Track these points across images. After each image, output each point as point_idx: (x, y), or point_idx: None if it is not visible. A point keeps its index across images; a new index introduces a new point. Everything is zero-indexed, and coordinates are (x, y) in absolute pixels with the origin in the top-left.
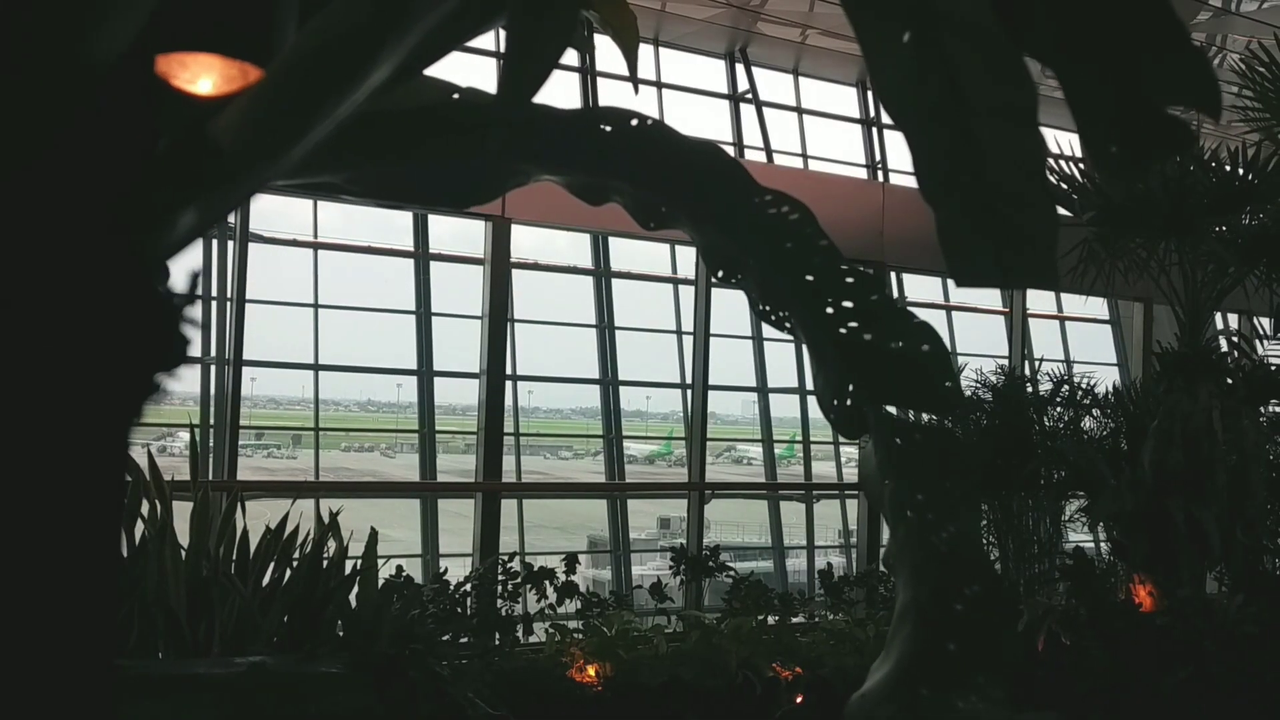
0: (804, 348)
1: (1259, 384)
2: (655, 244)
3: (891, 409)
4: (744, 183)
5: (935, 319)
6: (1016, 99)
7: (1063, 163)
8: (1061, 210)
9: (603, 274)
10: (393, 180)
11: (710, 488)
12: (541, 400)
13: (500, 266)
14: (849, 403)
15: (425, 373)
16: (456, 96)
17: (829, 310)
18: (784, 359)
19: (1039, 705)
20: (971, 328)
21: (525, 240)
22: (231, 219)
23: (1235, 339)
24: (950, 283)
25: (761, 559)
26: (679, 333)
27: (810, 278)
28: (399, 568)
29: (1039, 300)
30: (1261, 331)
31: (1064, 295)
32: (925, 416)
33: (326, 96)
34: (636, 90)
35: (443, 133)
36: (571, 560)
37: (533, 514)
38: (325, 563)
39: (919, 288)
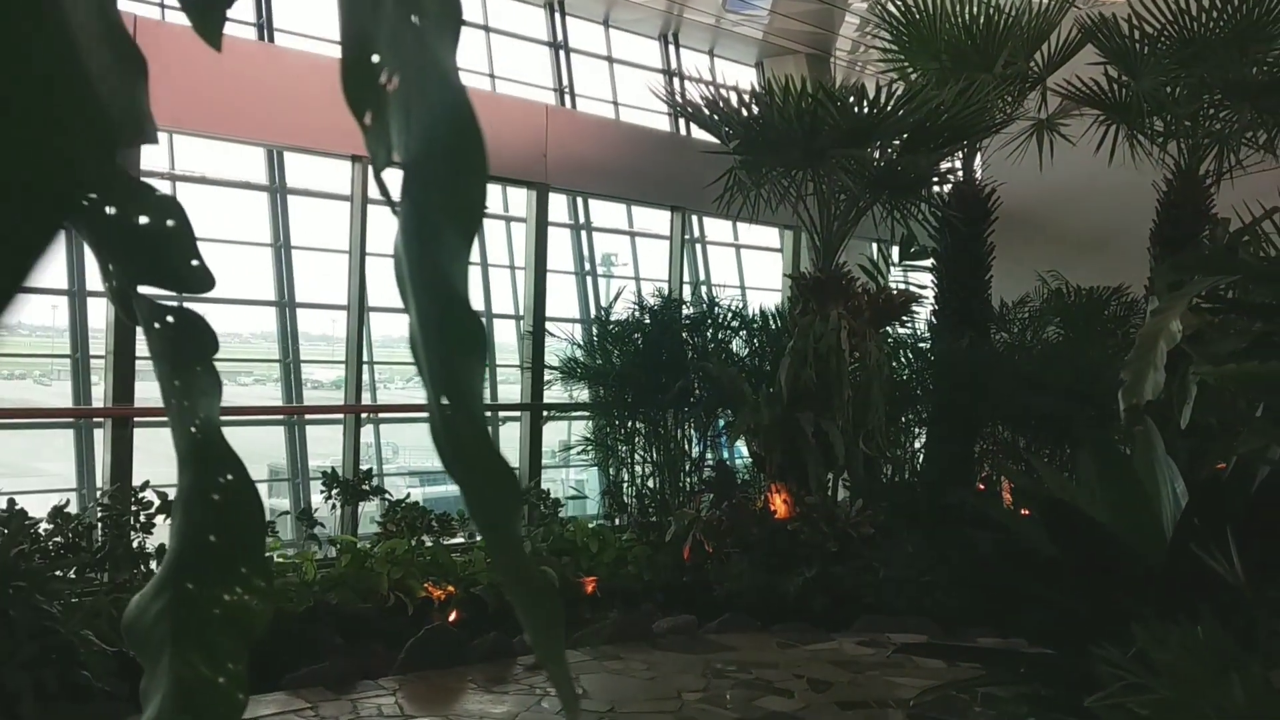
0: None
1: (883, 307)
2: (338, 160)
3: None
4: None
5: (620, 245)
6: None
7: (721, 90)
8: (710, 137)
9: (278, 190)
10: None
11: (370, 410)
12: (219, 323)
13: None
14: (115, 284)
15: (77, 293)
16: None
17: None
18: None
19: (681, 610)
20: (655, 253)
21: (196, 154)
22: None
23: (864, 265)
24: (634, 209)
25: (450, 482)
26: (365, 254)
27: None
28: (11, 500)
29: (716, 229)
30: (892, 259)
31: (740, 225)
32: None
33: None
34: None
35: None
36: None
37: None
38: None
39: (604, 214)
